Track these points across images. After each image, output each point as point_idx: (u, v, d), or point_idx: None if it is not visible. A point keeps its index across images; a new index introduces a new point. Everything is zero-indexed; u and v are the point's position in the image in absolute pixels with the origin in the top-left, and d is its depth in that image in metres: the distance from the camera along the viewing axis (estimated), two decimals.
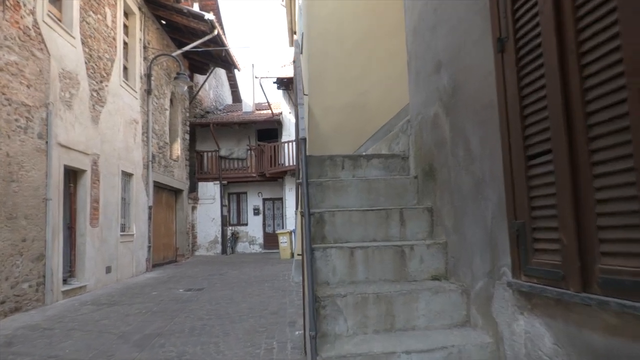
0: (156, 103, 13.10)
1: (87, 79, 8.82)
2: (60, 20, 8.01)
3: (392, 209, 3.20)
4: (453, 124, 2.74)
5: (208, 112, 19.34)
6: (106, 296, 7.97)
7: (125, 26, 11.60)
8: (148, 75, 12.36)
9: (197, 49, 13.60)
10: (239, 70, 16.49)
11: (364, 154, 4.50)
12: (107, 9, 9.93)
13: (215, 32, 12.92)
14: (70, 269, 8.37)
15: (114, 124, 10.04)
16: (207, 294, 7.81)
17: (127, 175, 10.87)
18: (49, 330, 5.46)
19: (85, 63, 8.81)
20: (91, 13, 9.16)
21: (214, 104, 21.46)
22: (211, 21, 12.45)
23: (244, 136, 18.62)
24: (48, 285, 7.13)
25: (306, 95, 7.63)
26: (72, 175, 8.52)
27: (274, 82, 16.81)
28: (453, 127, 2.74)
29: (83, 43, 8.72)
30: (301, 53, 7.97)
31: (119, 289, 8.77)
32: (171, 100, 14.98)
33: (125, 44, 11.50)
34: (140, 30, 11.99)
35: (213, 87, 21.89)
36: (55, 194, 7.50)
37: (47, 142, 7.30)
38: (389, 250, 2.87)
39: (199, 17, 12.53)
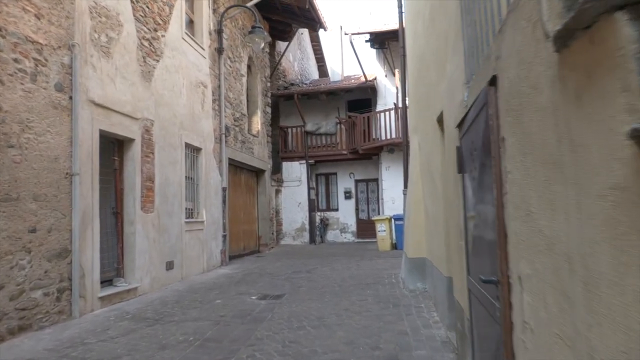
0: (230, 66, 11.08)
1: (133, 22, 6.85)
2: None
3: None
4: None
5: (292, 84, 17.18)
6: (157, 303, 5.98)
7: None
8: (219, 32, 10.32)
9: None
10: (325, 29, 14.03)
11: None
12: None
13: None
14: (117, 267, 6.52)
15: (174, 84, 8.07)
16: (286, 307, 5.50)
17: (193, 150, 8.93)
18: None
19: (132, 2, 6.84)
20: None
21: (299, 77, 19.29)
22: None
23: (333, 108, 16.20)
24: (76, 291, 5.24)
25: None
26: (117, 146, 6.64)
27: (367, 41, 14.11)
28: None
29: None
30: None
31: (179, 292, 6.79)
32: (249, 67, 12.94)
33: None
34: None
35: (298, 59, 19.72)
36: (87, 168, 5.59)
37: (71, 98, 5.36)
38: None
39: None
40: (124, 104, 6.43)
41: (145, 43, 7.19)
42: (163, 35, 7.78)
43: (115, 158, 6.56)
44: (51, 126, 5.03)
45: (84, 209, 5.49)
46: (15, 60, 4.58)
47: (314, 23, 13.74)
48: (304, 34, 20.36)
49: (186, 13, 9.10)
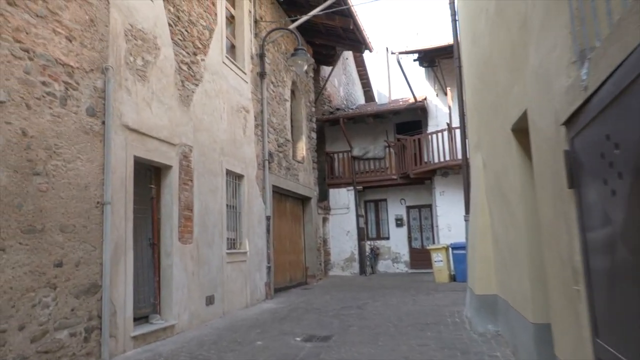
0: (273, 91, 10.77)
1: (171, 46, 6.61)
2: None
3: None
4: None
5: (338, 109, 16.77)
6: (194, 344, 5.44)
7: None
8: (261, 56, 10.07)
9: (321, 21, 11.01)
10: (370, 50, 13.57)
11: None
12: None
13: None
14: (153, 302, 6.08)
15: (214, 108, 7.76)
16: (335, 352, 4.80)
17: (234, 177, 8.54)
18: None
19: (170, 25, 6.63)
20: None
21: (344, 102, 18.90)
22: None
23: (381, 132, 15.58)
24: (106, 330, 4.80)
25: None
26: (153, 174, 6.30)
27: (415, 60, 13.50)
28: None
29: None
30: None
31: (218, 331, 6.24)
32: (293, 92, 12.64)
33: (232, 17, 9.36)
34: (249, 0, 9.77)
35: (343, 84, 19.39)
36: (120, 197, 5.23)
37: (103, 122, 5.07)
38: None
39: None
40: (160, 129, 6.12)
41: (184, 67, 6.94)
42: (203, 59, 7.53)
43: (152, 186, 6.21)
44: (82, 152, 4.72)
45: (116, 240, 5.11)
46: (44, 83, 4.31)
47: (358, 44, 13.33)
48: (348, 58, 20.08)
49: (227, 37, 8.91)
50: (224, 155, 7.97)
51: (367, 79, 22.30)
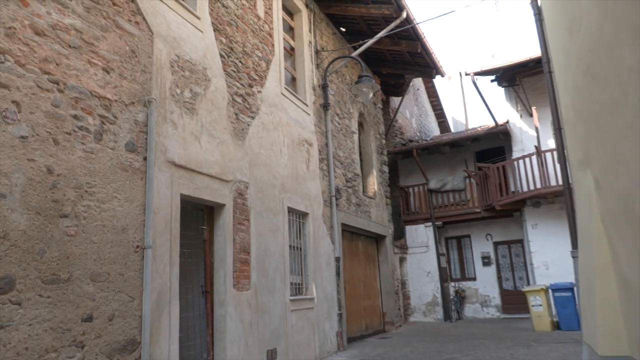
0: (338, 123, 10.17)
1: (223, 77, 6.23)
2: None
3: None
4: None
5: (411, 141, 15.83)
6: None
7: (291, 28, 9.16)
8: (323, 87, 9.56)
9: (387, 46, 10.37)
10: (442, 74, 12.64)
11: None
12: None
13: (404, 15, 9.52)
14: (205, 359, 5.41)
15: (273, 142, 7.24)
16: None
17: (298, 215, 7.87)
18: None
19: (222, 56, 6.28)
20: None
21: (417, 134, 17.94)
22: None
23: (459, 161, 14.35)
24: None
25: None
26: (206, 213, 5.79)
27: (492, 80, 12.34)
28: None
29: (216, 29, 6.24)
30: None
31: None
32: (360, 124, 11.98)
33: (291, 48, 9.01)
34: (310, 31, 9.40)
35: (415, 115, 18.50)
36: (164, 240, 4.71)
37: (145, 159, 4.64)
38: None
39: None
40: (211, 165, 5.63)
41: (238, 99, 6.52)
42: (259, 91, 7.10)
43: (204, 227, 5.68)
44: (119, 191, 4.28)
45: (158, 289, 4.55)
46: (75, 117, 3.95)
47: (428, 69, 12.47)
48: (420, 89, 19.24)
49: (286, 69, 8.51)
50: (285, 191, 7.36)
51: (441, 109, 21.19)
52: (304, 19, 9.27)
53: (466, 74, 12.03)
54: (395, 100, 15.17)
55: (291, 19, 9.19)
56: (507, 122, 12.86)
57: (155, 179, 4.69)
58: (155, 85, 4.95)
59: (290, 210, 7.53)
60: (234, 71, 6.53)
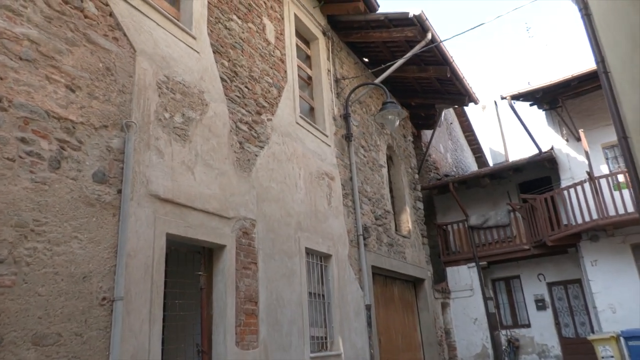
0: (364, 156, 9.30)
1: (224, 102, 5.53)
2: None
3: None
4: None
5: (447, 176, 14.72)
6: None
7: (308, 56, 8.55)
8: (345, 117, 8.78)
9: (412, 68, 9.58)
10: (475, 101, 11.66)
11: None
12: (265, 20, 6.93)
13: (429, 37, 8.76)
14: None
15: (286, 175, 6.41)
16: None
17: (318, 257, 6.90)
18: None
19: (224, 80, 5.61)
20: (234, 17, 6.17)
21: (453, 169, 16.83)
22: (418, 18, 8.40)
23: (501, 194, 13.08)
24: None
25: None
26: (205, 257, 4.92)
27: (532, 104, 11.26)
28: None
29: (217, 51, 5.61)
30: None
31: None
32: (390, 157, 11.07)
33: (309, 77, 8.36)
34: (328, 59, 8.76)
35: (450, 150, 17.45)
36: (142, 289, 3.86)
37: (119, 191, 3.88)
38: None
39: (401, 20, 8.67)
40: (207, 199, 4.82)
41: (243, 126, 5.78)
42: (269, 119, 6.37)
43: (200, 273, 4.81)
44: (80, 230, 3.49)
45: (132, 352, 3.64)
46: (23, 140, 3.25)
47: (460, 97, 11.54)
48: (453, 123, 18.27)
49: (303, 98, 7.82)
50: (302, 230, 6.45)
51: (477, 144, 20.02)
52: (321, 46, 8.66)
53: (502, 98, 11.02)
54: (427, 135, 14.24)
55: (307, 47, 8.60)
56: (552, 148, 11.64)
57: (132, 216, 3.90)
58: (136, 107, 4.26)
59: (309, 252, 6.58)
60: (238, 96, 5.84)
